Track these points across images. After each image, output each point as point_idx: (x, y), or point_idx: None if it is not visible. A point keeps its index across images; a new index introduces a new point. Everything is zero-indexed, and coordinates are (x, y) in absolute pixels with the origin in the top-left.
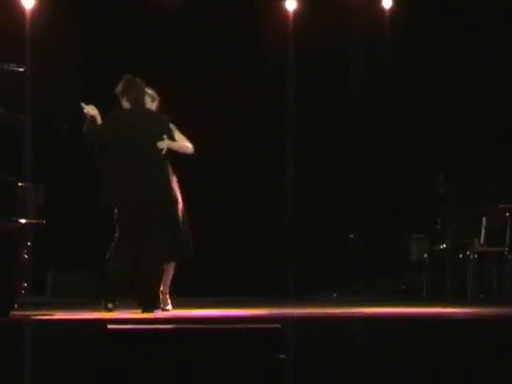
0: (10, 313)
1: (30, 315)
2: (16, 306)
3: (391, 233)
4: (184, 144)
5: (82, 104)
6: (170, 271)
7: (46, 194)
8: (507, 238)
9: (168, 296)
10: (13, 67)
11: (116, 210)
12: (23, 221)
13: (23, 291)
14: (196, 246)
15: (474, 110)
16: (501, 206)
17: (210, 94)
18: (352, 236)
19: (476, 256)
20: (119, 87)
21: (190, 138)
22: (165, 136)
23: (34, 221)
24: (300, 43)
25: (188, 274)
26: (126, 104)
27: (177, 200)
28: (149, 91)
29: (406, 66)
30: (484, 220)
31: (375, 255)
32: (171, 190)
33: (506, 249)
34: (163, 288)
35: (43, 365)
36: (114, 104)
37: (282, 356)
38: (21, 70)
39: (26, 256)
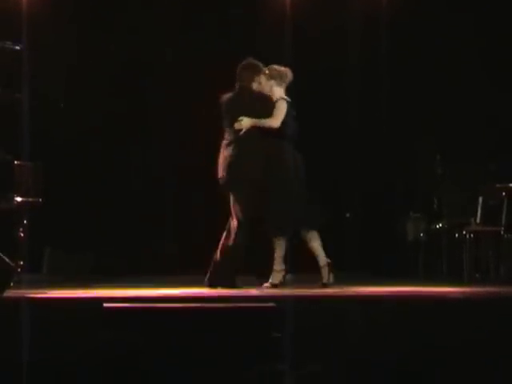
0: (6, 291)
1: (26, 293)
2: (12, 284)
3: (388, 212)
4: (264, 121)
5: None
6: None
7: (44, 172)
8: (503, 217)
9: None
10: (9, 45)
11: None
12: (20, 199)
13: (19, 269)
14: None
15: (471, 90)
16: (497, 185)
17: (204, 79)
18: (348, 215)
19: (472, 235)
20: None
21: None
22: (241, 117)
23: (30, 199)
24: (297, 27)
25: (189, 252)
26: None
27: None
28: (265, 69)
29: (403, 49)
30: (480, 199)
31: (372, 234)
32: (229, 173)
33: (503, 228)
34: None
35: (39, 343)
36: (108, 81)
37: (278, 335)
38: (17, 48)
39: (22, 234)
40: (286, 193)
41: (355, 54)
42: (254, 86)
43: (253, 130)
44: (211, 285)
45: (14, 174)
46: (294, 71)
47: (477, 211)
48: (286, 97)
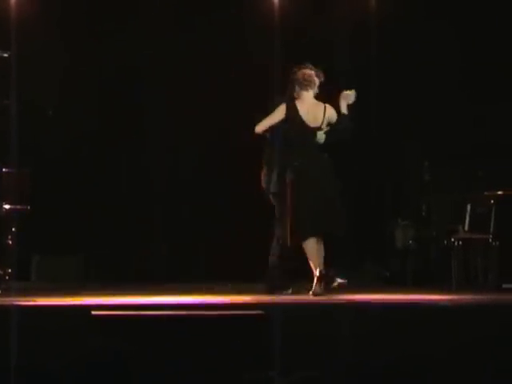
0: None
1: (14, 301)
2: (0, 291)
3: (376, 219)
4: None
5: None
6: None
7: (32, 179)
8: (492, 224)
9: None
10: None
11: None
12: (8, 206)
13: (8, 277)
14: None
15: (460, 96)
16: (486, 193)
17: (192, 85)
18: None
19: (461, 243)
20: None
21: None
22: None
23: (18, 206)
24: (285, 33)
25: (178, 260)
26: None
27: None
28: None
29: (391, 56)
30: (469, 207)
31: (360, 241)
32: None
33: (491, 236)
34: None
35: (28, 350)
36: (97, 87)
37: (267, 343)
38: (5, 55)
39: (11, 242)
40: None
41: (343, 60)
42: None
43: None
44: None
45: (1, 182)
46: (282, 76)
47: (465, 218)
48: None
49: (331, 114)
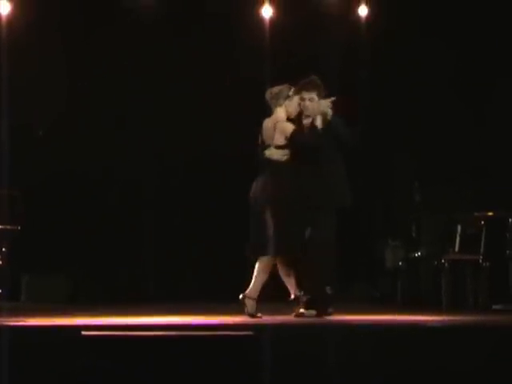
0: None
1: (4, 321)
2: None
3: (366, 239)
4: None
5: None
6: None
7: (22, 200)
8: (482, 245)
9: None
10: None
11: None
12: None
13: None
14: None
15: (450, 118)
16: (476, 213)
17: (183, 101)
18: None
19: (451, 264)
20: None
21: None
22: None
23: (9, 227)
24: (276, 50)
25: (167, 279)
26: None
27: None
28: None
29: (381, 74)
30: (459, 228)
31: (350, 261)
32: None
33: (481, 257)
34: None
35: (18, 371)
36: (87, 108)
37: (256, 363)
38: None
39: (1, 262)
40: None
41: (333, 80)
42: None
43: None
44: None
45: None
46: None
47: (455, 239)
48: None
49: (281, 129)
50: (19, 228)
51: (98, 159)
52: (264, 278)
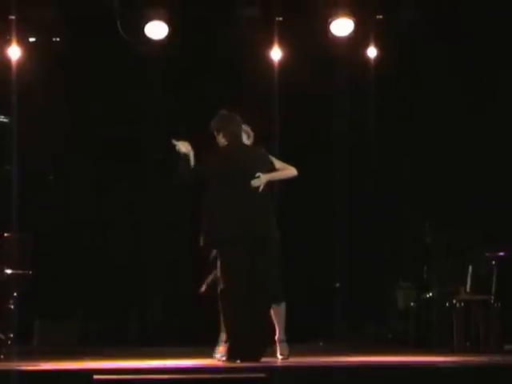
0: None
1: (16, 365)
2: (2, 356)
3: (378, 281)
4: (284, 172)
5: (173, 141)
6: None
7: (32, 243)
8: (493, 286)
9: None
10: None
11: (215, 253)
12: (9, 271)
13: (9, 342)
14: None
15: (459, 158)
16: (487, 254)
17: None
18: (338, 285)
19: (462, 304)
20: (215, 123)
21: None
22: (258, 174)
23: (20, 271)
24: (285, 92)
25: (173, 322)
26: (222, 140)
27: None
28: (243, 127)
29: (390, 115)
30: (470, 268)
31: (362, 304)
32: (270, 228)
33: (492, 297)
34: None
35: None
36: (96, 151)
37: None
38: (6, 120)
39: (12, 306)
40: (279, 258)
41: (342, 121)
42: None
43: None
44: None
45: (3, 246)
46: (281, 134)
47: (466, 280)
48: None
49: None
50: (30, 272)
51: (107, 204)
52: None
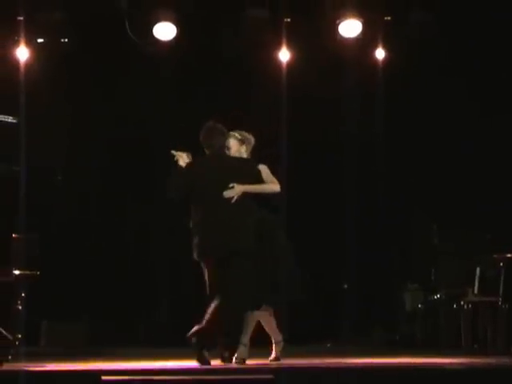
0: (4, 364)
1: (23, 366)
2: (10, 357)
3: (385, 283)
4: (264, 186)
5: (173, 152)
6: (270, 321)
7: (40, 244)
8: (501, 287)
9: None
10: (7, 119)
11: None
12: (17, 272)
13: (17, 342)
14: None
15: (467, 160)
16: (495, 255)
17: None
18: (346, 286)
19: (470, 306)
20: (200, 136)
21: None
22: (232, 184)
23: (28, 272)
24: (293, 94)
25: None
26: (207, 152)
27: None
28: (237, 135)
29: (398, 117)
30: (478, 270)
31: (369, 305)
32: (246, 241)
33: (500, 299)
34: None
35: None
36: (104, 152)
37: None
38: (14, 121)
39: (20, 307)
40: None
41: (351, 123)
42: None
43: (244, 197)
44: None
45: (11, 247)
46: (289, 135)
47: (474, 282)
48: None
49: None
50: (38, 273)
51: (114, 205)
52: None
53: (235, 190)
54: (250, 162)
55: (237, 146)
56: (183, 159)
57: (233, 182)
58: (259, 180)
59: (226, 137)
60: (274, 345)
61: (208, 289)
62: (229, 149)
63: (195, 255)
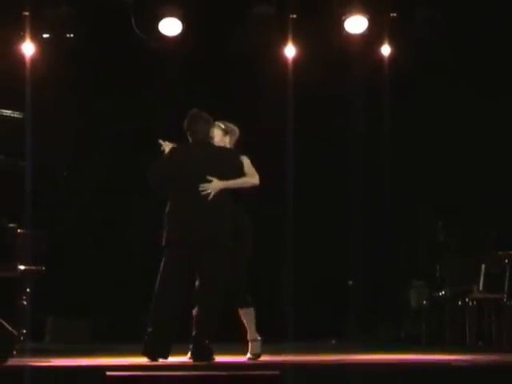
0: (9, 359)
1: (28, 362)
2: (15, 352)
3: (391, 280)
4: (242, 180)
5: (160, 141)
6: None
7: (46, 240)
8: (506, 284)
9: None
10: (12, 114)
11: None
12: (22, 267)
13: (22, 338)
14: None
15: (472, 158)
16: (500, 252)
17: None
18: (351, 283)
19: (475, 303)
20: (184, 123)
21: None
22: (213, 178)
23: (33, 267)
24: (299, 90)
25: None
26: (190, 139)
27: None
28: (221, 125)
29: (404, 114)
30: (483, 267)
31: (374, 302)
32: (219, 233)
33: (505, 295)
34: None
35: None
36: (110, 148)
37: None
38: (20, 116)
39: (25, 303)
40: (247, 261)
41: (357, 119)
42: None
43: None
44: None
45: (17, 242)
46: (294, 131)
47: (479, 279)
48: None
49: None
50: (43, 268)
51: (120, 201)
52: None
53: (213, 186)
54: (233, 152)
55: (220, 136)
56: (169, 148)
57: (215, 172)
58: (242, 172)
59: (211, 125)
60: (249, 342)
61: (160, 277)
62: (212, 138)
63: (163, 241)
